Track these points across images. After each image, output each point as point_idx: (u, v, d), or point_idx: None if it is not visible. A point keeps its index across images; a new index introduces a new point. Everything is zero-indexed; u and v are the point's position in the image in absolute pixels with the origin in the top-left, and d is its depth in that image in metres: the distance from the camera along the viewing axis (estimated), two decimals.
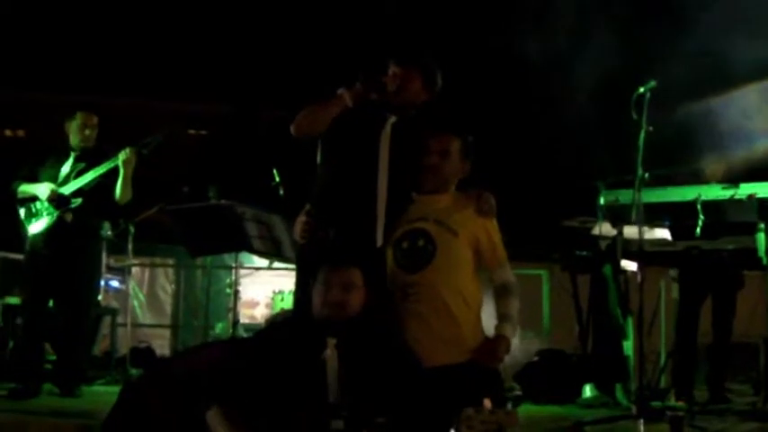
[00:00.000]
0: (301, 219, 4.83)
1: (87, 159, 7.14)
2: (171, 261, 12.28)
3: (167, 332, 11.53)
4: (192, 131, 12.83)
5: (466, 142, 4.79)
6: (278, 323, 4.80)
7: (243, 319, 8.68)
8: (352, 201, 4.81)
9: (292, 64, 11.86)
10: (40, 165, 7.20)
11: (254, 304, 11.80)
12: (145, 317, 11.91)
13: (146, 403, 4.55)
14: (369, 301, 4.21)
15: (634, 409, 5.53)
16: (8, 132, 12.98)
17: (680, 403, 6.95)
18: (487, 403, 3.54)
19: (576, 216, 7.81)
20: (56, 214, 7.00)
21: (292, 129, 4.86)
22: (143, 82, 12.40)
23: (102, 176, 7.06)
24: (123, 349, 9.39)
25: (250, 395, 3.93)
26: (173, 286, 12.22)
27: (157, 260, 12.73)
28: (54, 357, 7.60)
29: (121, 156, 7.01)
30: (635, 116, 5.94)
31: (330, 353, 4.05)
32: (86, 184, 7.04)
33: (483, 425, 3.49)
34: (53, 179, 7.09)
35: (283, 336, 4.25)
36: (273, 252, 7.26)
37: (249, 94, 12.52)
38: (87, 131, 7.18)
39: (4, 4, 11.03)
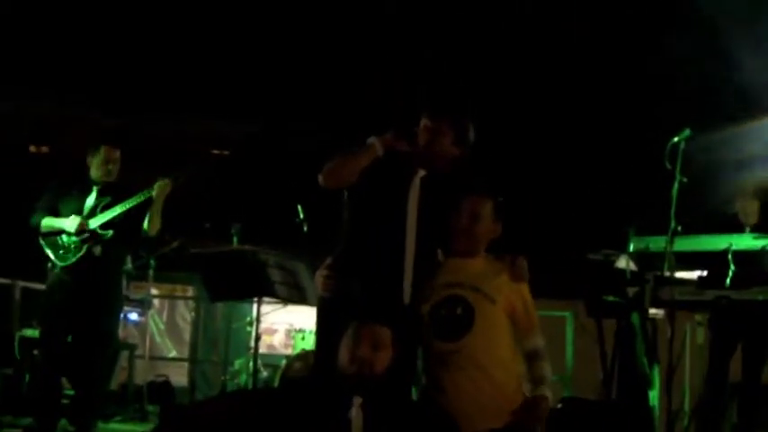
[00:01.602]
0: (322, 273, 4.73)
1: (111, 193, 7.08)
2: (191, 289, 12.23)
3: (186, 365, 11.42)
4: (215, 152, 12.73)
5: (497, 204, 4.71)
6: (297, 378, 4.71)
7: (261, 349, 8.55)
8: (380, 256, 4.70)
9: (320, 83, 11.74)
10: (61, 197, 7.12)
11: (272, 331, 11.72)
12: (164, 345, 11.85)
13: None
14: (394, 361, 4.10)
15: None
16: (32, 148, 12.89)
17: None
18: None
19: (601, 249, 7.72)
20: (85, 248, 6.93)
21: (321, 179, 4.73)
22: (167, 99, 12.29)
23: (132, 209, 6.98)
24: (141, 380, 9.33)
25: None
26: (192, 314, 12.17)
27: (177, 288, 12.68)
28: (71, 392, 7.50)
29: (157, 187, 6.96)
30: (668, 166, 5.84)
31: (356, 412, 3.95)
32: (116, 217, 6.97)
33: None
34: (77, 213, 7.01)
35: (306, 392, 4.15)
36: (297, 299, 7.17)
37: (274, 113, 12.42)
38: (110, 166, 7.12)
39: (25, 19, 10.98)
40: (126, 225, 7.02)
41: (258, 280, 6.92)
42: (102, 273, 7.01)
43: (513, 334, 4.54)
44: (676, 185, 5.82)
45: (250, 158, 12.33)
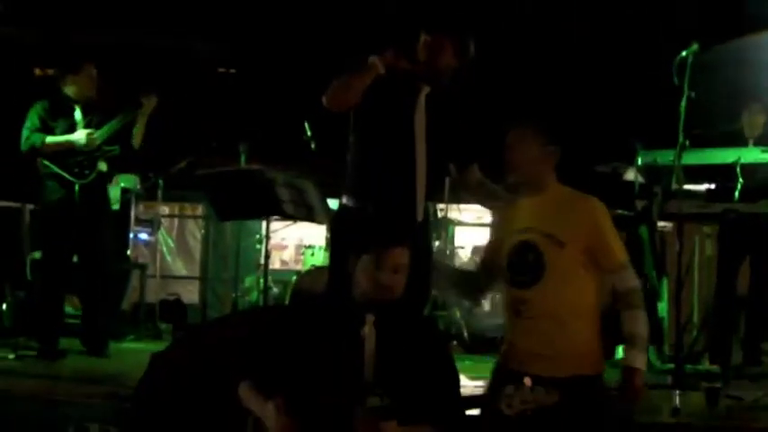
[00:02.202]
0: None
1: (96, 110, 7.12)
2: (200, 207, 12.25)
3: (197, 283, 11.49)
4: (221, 70, 12.63)
5: (541, 128, 4.42)
6: (309, 297, 4.72)
7: (271, 265, 8.57)
8: (390, 176, 4.73)
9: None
10: (50, 117, 7.07)
11: (282, 247, 11.77)
12: (174, 263, 11.90)
13: (176, 374, 4.52)
14: (408, 279, 4.09)
15: (669, 379, 5.44)
16: (38, 71, 12.77)
17: (714, 367, 6.91)
18: (528, 381, 3.51)
19: (609, 162, 7.72)
20: (96, 166, 6.94)
21: (324, 101, 4.70)
22: (169, 17, 12.13)
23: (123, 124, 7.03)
24: (152, 298, 9.39)
25: (283, 370, 3.86)
26: (202, 232, 12.20)
27: (186, 206, 12.70)
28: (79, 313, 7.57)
29: (145, 103, 7.00)
30: (677, 81, 5.79)
31: (369, 330, 3.92)
32: (112, 133, 6.99)
33: (523, 403, 3.48)
34: (71, 130, 7.02)
35: (318, 309, 4.15)
36: (305, 217, 7.16)
37: (281, 30, 12.28)
38: (92, 83, 7.15)
39: None
40: (119, 142, 7.07)
41: (266, 199, 6.91)
42: (105, 190, 7.06)
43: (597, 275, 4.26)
44: (684, 100, 5.77)
45: (257, 76, 12.26)
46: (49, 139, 6.97)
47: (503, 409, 3.47)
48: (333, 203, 6.30)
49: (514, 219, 4.35)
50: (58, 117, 7.05)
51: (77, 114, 7.08)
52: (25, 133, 6.98)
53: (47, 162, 6.99)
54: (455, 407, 4.02)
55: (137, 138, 7.08)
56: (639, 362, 4.14)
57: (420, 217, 4.73)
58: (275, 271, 9.23)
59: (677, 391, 5.17)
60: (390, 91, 4.73)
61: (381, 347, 3.91)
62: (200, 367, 4.47)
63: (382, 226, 4.18)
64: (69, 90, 7.10)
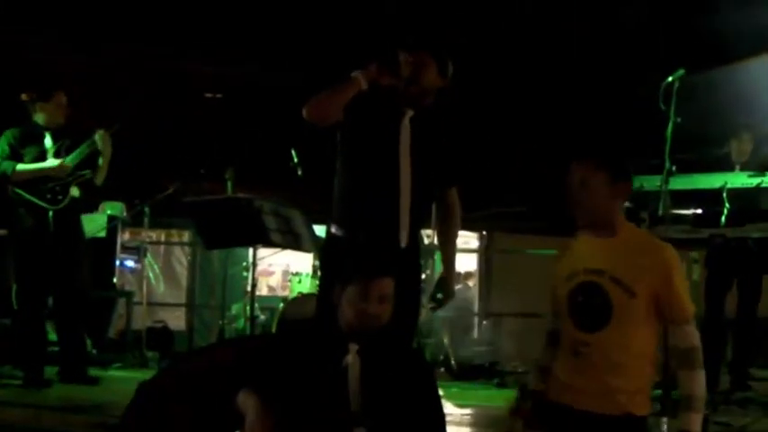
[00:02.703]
0: None
1: (66, 136, 7.10)
2: (187, 234, 12.24)
3: (183, 310, 11.47)
4: (208, 95, 12.60)
5: (609, 163, 4.09)
6: (295, 325, 4.69)
7: (258, 291, 8.55)
8: (375, 203, 4.71)
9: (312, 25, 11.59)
10: (19, 144, 7.05)
11: (269, 273, 11.77)
12: (160, 289, 11.88)
13: (163, 403, 4.49)
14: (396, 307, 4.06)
15: (658, 406, 5.41)
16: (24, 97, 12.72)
17: None
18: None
19: None
20: (68, 193, 6.92)
21: (305, 113, 4.65)
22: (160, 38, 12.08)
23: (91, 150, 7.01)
24: (139, 326, 9.35)
25: (269, 398, 3.83)
26: (189, 258, 12.18)
27: (173, 233, 12.68)
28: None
29: (98, 138, 6.99)
30: (663, 106, 5.81)
31: (352, 359, 3.91)
32: (83, 158, 7.00)
33: None
34: (41, 157, 7.01)
35: (304, 339, 4.14)
36: (292, 245, 7.15)
37: (268, 54, 12.25)
38: (63, 110, 7.15)
39: None
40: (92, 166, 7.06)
41: (253, 227, 6.89)
42: (79, 216, 7.04)
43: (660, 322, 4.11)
44: (671, 125, 5.79)
45: (244, 101, 12.25)
46: (20, 166, 6.95)
47: None
48: (320, 230, 6.29)
49: (582, 255, 4.15)
50: (27, 144, 7.04)
51: (47, 141, 7.07)
52: None
53: (18, 190, 6.97)
54: None
55: (99, 174, 7.06)
56: (696, 425, 3.96)
57: (404, 243, 4.70)
58: (262, 297, 9.22)
59: (665, 419, 5.14)
60: (374, 112, 4.73)
61: (367, 377, 3.89)
62: (187, 395, 4.44)
63: (368, 256, 4.16)
64: (39, 117, 7.11)
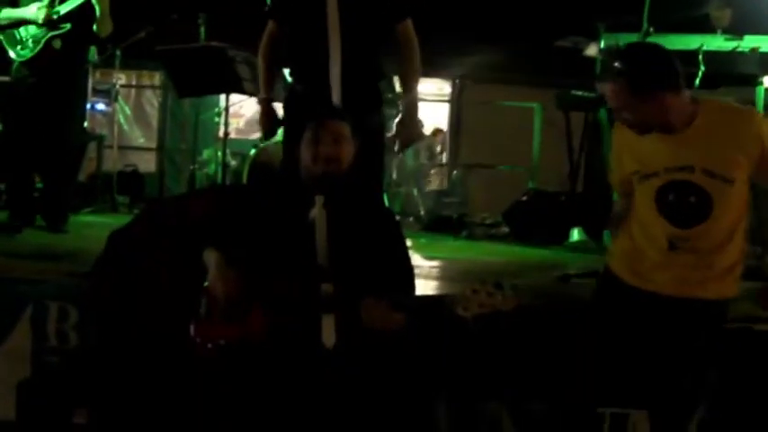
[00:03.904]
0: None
1: None
2: (157, 76, 12.09)
3: (154, 154, 11.45)
4: None
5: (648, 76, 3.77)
6: (264, 176, 4.69)
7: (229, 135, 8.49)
8: (308, 59, 4.86)
9: None
10: None
11: (239, 116, 11.72)
12: (132, 131, 11.81)
13: (135, 252, 4.50)
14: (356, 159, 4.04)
15: None
16: None
17: None
18: (487, 285, 3.47)
19: (569, 36, 7.70)
20: (44, 41, 6.78)
21: None
22: None
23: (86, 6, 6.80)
24: (109, 169, 9.31)
25: (235, 252, 3.86)
26: (160, 100, 12.07)
27: (144, 75, 12.53)
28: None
29: None
30: None
31: (319, 212, 3.92)
32: (75, 8, 6.79)
33: (480, 307, 3.44)
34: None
35: (271, 191, 4.15)
36: None
37: None
38: None
39: None
40: (82, 19, 6.79)
41: (226, 76, 6.86)
42: (63, 67, 6.87)
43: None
44: None
45: None
46: (4, 12, 6.81)
47: (459, 312, 3.44)
48: None
49: (657, 154, 3.91)
50: None
51: None
52: None
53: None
54: (411, 292, 4.06)
55: (102, 24, 6.81)
56: None
57: (336, 100, 4.73)
58: (233, 140, 9.14)
59: None
60: None
61: (333, 230, 3.91)
62: (158, 246, 4.45)
63: (317, 102, 4.19)
64: None
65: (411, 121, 5.05)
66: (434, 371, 4.28)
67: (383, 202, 5.08)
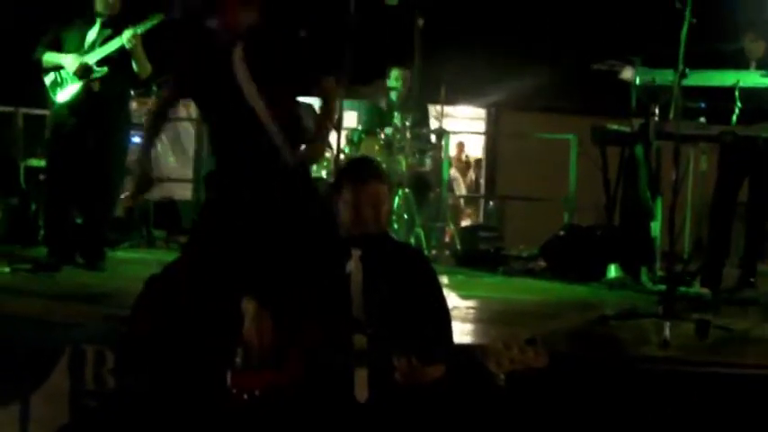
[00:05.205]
0: None
1: (113, 26, 6.95)
2: (193, 106, 12.11)
3: (190, 183, 11.44)
4: None
5: None
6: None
7: None
8: (245, 144, 4.72)
9: None
10: (65, 31, 7.02)
11: None
12: (167, 161, 11.81)
13: (173, 299, 4.52)
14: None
15: (660, 310, 5.43)
16: None
17: (704, 290, 6.95)
18: (519, 340, 3.45)
19: (606, 59, 7.66)
20: (83, 84, 6.88)
21: None
22: None
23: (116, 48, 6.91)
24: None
25: (271, 302, 3.86)
26: (196, 130, 12.09)
27: (180, 104, 12.56)
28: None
29: (125, 38, 6.84)
30: (678, 5, 5.66)
31: (355, 265, 3.92)
32: (112, 53, 6.89)
33: (511, 363, 3.41)
34: (79, 46, 6.93)
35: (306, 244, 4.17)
36: None
37: None
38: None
39: None
40: (122, 61, 6.92)
41: None
42: (103, 108, 6.96)
43: None
44: (686, 26, 5.64)
45: None
46: (47, 56, 6.94)
47: (490, 368, 3.42)
48: None
49: None
50: (75, 31, 7.00)
51: (94, 29, 6.98)
52: (40, 44, 7.01)
53: (44, 77, 7.00)
54: (448, 343, 4.03)
55: (140, 66, 6.95)
56: None
57: (291, 161, 4.72)
58: None
59: (668, 324, 5.16)
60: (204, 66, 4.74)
61: (369, 283, 3.90)
62: (195, 292, 4.47)
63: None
64: (98, 3, 6.99)
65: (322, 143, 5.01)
66: (467, 424, 4.26)
67: (420, 251, 5.00)
